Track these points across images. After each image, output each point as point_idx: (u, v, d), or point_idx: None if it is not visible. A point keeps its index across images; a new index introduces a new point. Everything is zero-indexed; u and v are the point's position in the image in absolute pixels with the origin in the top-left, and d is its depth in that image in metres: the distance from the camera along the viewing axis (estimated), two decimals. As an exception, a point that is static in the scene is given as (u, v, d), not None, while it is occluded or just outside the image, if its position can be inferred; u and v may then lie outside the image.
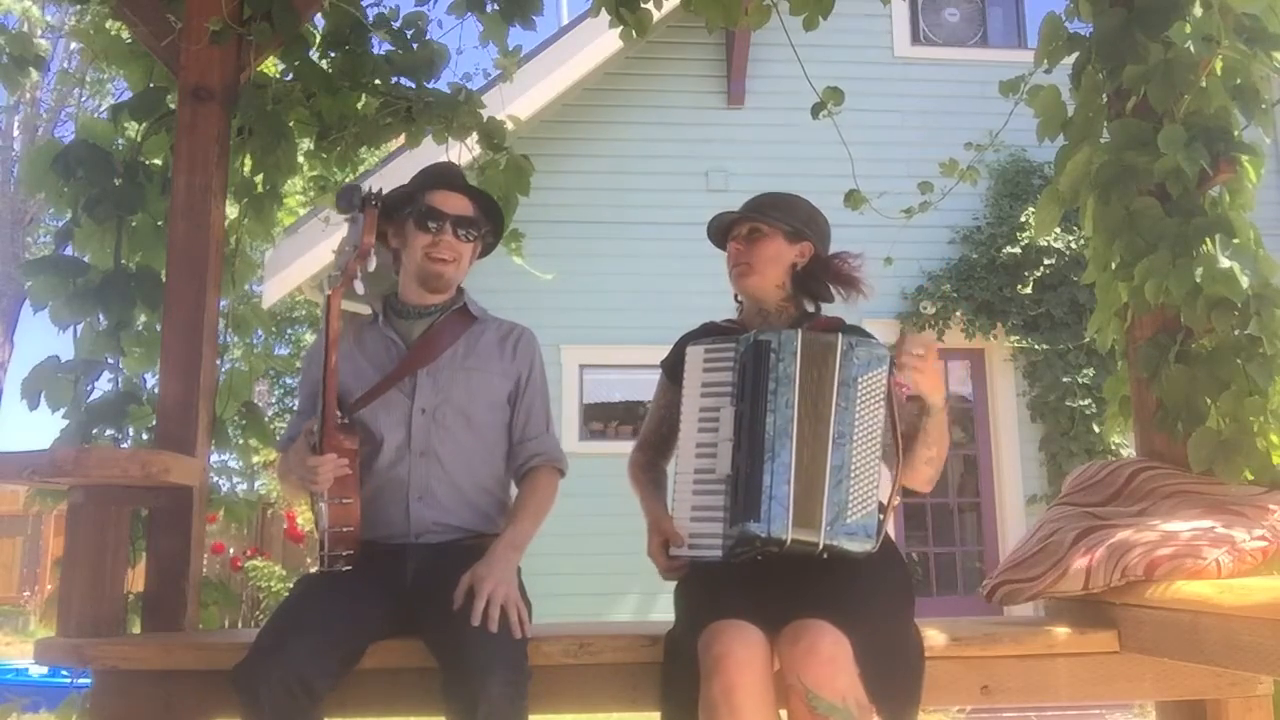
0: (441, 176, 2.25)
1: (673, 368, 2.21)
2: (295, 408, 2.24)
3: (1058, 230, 7.15)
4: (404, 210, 2.21)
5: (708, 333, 2.24)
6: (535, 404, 2.24)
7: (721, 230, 2.30)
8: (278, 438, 2.36)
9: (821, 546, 1.88)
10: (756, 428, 1.95)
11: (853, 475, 1.91)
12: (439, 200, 2.19)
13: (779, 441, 1.92)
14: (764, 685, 1.72)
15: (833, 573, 1.88)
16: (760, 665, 1.73)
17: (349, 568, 2.01)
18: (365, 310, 2.29)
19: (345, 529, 2.01)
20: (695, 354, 2.10)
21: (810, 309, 2.28)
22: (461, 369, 2.17)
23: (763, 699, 1.71)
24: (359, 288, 1.92)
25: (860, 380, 1.95)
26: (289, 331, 13.35)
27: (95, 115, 3.38)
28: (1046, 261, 7.36)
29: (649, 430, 2.35)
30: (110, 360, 2.65)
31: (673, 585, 2.06)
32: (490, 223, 2.32)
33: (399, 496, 2.09)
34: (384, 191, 2.13)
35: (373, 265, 1.96)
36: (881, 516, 1.95)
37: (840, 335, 2.00)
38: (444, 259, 2.17)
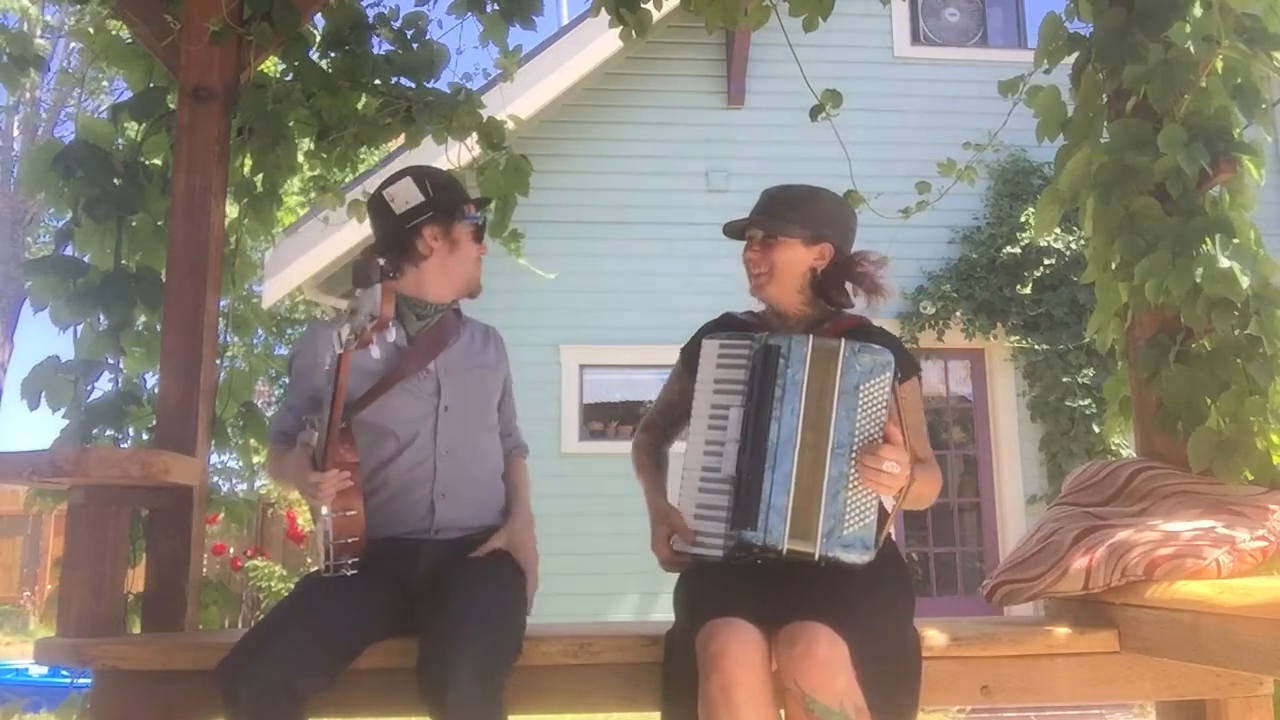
0: (461, 187, 2.32)
1: (690, 357, 2.16)
2: (287, 402, 2.23)
3: (1058, 230, 7.16)
4: (460, 216, 2.22)
5: (726, 325, 2.21)
6: (511, 398, 2.39)
7: (737, 233, 2.21)
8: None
9: (818, 557, 1.86)
10: (760, 433, 1.92)
11: (850, 486, 1.87)
12: (475, 212, 2.27)
13: (781, 450, 1.90)
14: (762, 683, 1.71)
15: (831, 574, 1.87)
16: (758, 663, 1.72)
17: (354, 572, 2.00)
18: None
19: (350, 539, 2.01)
20: (710, 348, 2.06)
21: (831, 309, 2.19)
22: (475, 368, 2.23)
23: (761, 697, 1.70)
24: (375, 352, 1.91)
25: (862, 389, 1.90)
26: (289, 331, 13.32)
27: (95, 115, 3.38)
28: (1046, 261, 7.36)
29: (657, 413, 2.32)
30: (110, 360, 2.65)
31: (673, 585, 2.05)
32: None
33: (424, 494, 2.10)
34: (425, 197, 2.16)
35: (392, 336, 1.92)
36: (888, 523, 1.93)
37: (844, 341, 1.94)
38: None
